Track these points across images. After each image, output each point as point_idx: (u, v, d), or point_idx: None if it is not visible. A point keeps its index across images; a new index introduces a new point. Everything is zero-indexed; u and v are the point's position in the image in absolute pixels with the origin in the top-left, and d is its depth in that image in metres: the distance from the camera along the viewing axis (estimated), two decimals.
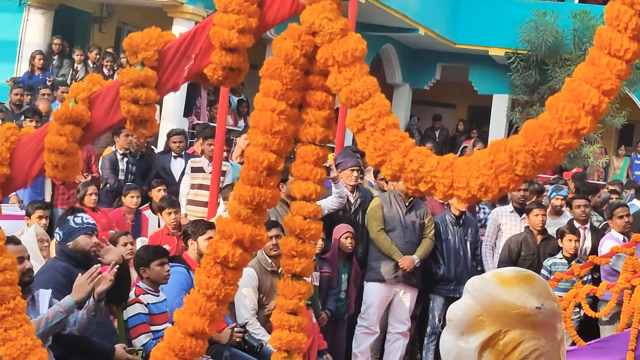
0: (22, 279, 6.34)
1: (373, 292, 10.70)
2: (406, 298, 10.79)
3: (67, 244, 7.48)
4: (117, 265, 6.76)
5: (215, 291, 3.49)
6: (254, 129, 3.47)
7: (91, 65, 17.96)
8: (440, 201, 11.77)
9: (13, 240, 6.60)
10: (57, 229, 7.84)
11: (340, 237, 10.32)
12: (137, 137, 12.76)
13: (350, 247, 10.38)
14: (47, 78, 17.36)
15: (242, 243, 3.49)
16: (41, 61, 17.86)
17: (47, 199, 12.92)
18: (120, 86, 3.60)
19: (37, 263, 7.71)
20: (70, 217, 7.79)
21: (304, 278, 3.55)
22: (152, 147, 15.18)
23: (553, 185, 13.49)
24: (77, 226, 7.52)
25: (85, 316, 6.39)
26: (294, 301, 3.55)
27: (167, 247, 9.35)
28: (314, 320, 9.36)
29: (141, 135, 3.66)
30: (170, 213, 11.14)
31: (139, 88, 3.56)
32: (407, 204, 10.75)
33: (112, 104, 3.65)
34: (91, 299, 6.41)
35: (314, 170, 3.49)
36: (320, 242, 9.85)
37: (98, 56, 18.43)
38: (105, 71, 17.30)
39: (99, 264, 6.56)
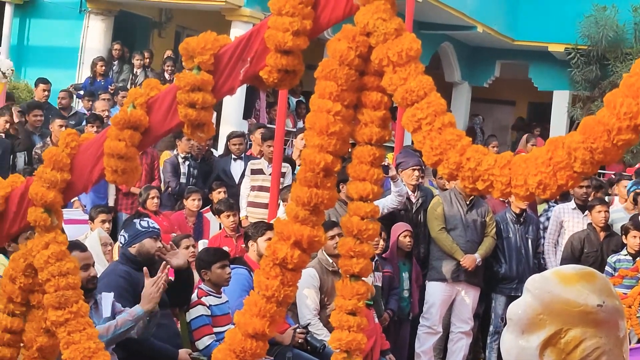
0: (86, 285, 6.42)
1: (435, 292, 10.68)
2: (468, 297, 10.75)
3: (132, 246, 7.56)
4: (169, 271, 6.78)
5: (275, 292, 3.51)
6: (310, 130, 3.48)
7: (149, 69, 18.14)
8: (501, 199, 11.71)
9: (79, 247, 6.68)
10: (123, 231, 7.93)
11: (399, 235, 10.31)
12: (195, 140, 12.86)
13: (409, 246, 10.35)
14: (110, 86, 17.54)
15: (301, 244, 3.50)
16: (103, 67, 18.07)
17: (111, 203, 13.08)
18: (177, 90, 3.63)
19: (100, 267, 7.80)
20: (136, 220, 7.89)
21: (363, 278, 3.56)
22: (212, 149, 15.27)
23: (633, 180, 13.22)
24: (144, 229, 7.60)
25: (141, 322, 6.45)
26: (352, 302, 3.55)
27: (226, 248, 9.41)
28: (376, 320, 9.36)
29: (199, 139, 3.69)
30: (228, 216, 11.20)
31: (195, 92, 3.58)
32: (467, 203, 10.70)
33: (170, 109, 3.68)
34: (138, 307, 6.48)
35: (370, 170, 3.49)
36: (381, 242, 9.85)
37: (148, 60, 18.58)
38: (167, 75, 17.44)
39: (163, 274, 6.60)
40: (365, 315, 7.96)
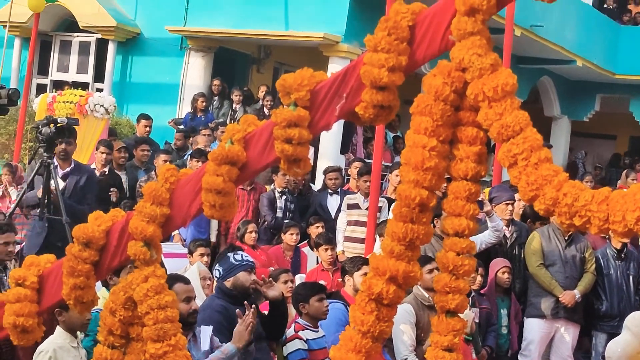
0: (187, 319, 6.50)
1: (534, 328, 10.54)
2: (568, 334, 10.58)
3: (227, 280, 7.61)
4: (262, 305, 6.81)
5: (370, 328, 3.51)
6: (405, 165, 3.49)
7: (248, 104, 18.34)
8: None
9: (182, 280, 6.77)
10: (217, 265, 7.98)
11: (497, 271, 10.21)
12: (292, 175, 12.94)
13: (507, 282, 10.25)
14: (210, 122, 17.76)
15: (396, 279, 3.50)
16: (203, 103, 18.33)
17: (213, 239, 13.24)
18: (274, 126, 3.67)
19: (199, 300, 7.86)
20: (230, 254, 7.92)
21: (459, 314, 3.53)
22: (310, 184, 15.35)
23: None
24: (237, 263, 7.63)
25: (236, 359, 6.48)
26: (448, 338, 3.53)
27: (322, 282, 9.42)
28: (474, 356, 9.26)
29: (295, 174, 3.71)
30: (326, 249, 11.23)
31: (292, 128, 3.62)
32: (566, 238, 10.56)
33: (267, 144, 3.72)
34: (231, 344, 6.51)
35: (466, 206, 3.48)
36: (478, 277, 9.77)
37: (240, 97, 18.76)
38: (266, 111, 17.60)
39: (252, 309, 6.64)
40: (462, 351, 7.88)
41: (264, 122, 3.78)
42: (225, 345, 6.45)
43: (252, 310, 6.58)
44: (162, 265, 10.85)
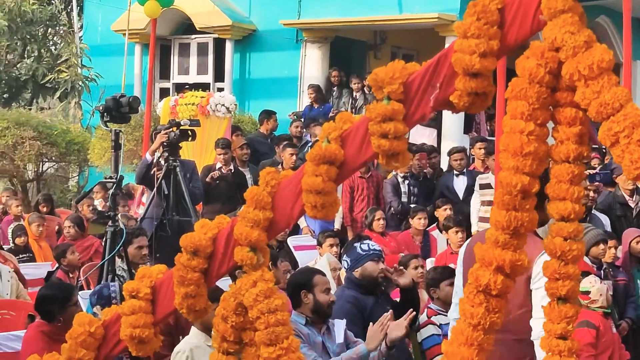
0: (326, 311, 6.56)
1: None
2: None
3: (355, 270, 7.63)
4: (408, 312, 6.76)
5: (481, 320, 3.44)
6: (504, 152, 3.40)
7: (367, 92, 18.27)
8: None
9: (318, 272, 6.86)
10: (345, 256, 8.02)
11: (631, 242, 9.96)
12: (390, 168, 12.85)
13: None
14: (328, 112, 17.80)
15: (503, 269, 3.42)
16: (313, 95, 18.39)
17: (337, 226, 13.29)
18: (369, 122, 3.63)
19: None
20: (357, 244, 7.95)
21: (571, 301, 3.44)
22: (441, 167, 15.28)
23: None
24: (364, 253, 7.65)
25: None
26: (561, 325, 3.43)
27: (452, 266, 9.35)
28: (614, 330, 9.06)
29: (394, 168, 3.67)
30: (456, 232, 11.19)
31: (387, 122, 3.57)
32: None
33: (363, 140, 3.68)
34: (383, 344, 6.49)
35: (570, 189, 3.37)
36: (612, 250, 9.57)
37: (359, 84, 18.70)
38: None
39: (388, 313, 6.62)
40: (603, 326, 7.70)
41: (359, 118, 3.74)
42: (358, 346, 6.46)
43: (389, 314, 6.56)
44: (293, 257, 10.98)
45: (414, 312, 6.79)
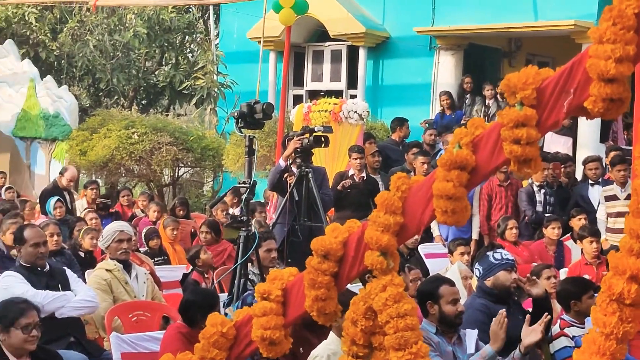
0: (453, 321, 6.52)
1: None
2: None
3: (487, 279, 7.57)
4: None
5: (613, 329, 3.38)
6: (639, 159, 3.35)
7: (500, 100, 18.08)
8: None
9: (447, 281, 6.83)
10: (477, 264, 7.97)
11: None
12: (523, 175, 12.69)
13: None
14: (460, 120, 17.68)
15: (637, 278, 3.36)
16: (446, 102, 18.29)
17: (475, 236, 13.25)
18: (501, 127, 3.61)
19: (461, 300, 7.86)
20: (489, 253, 7.89)
21: None
22: (576, 177, 15.04)
23: None
24: (497, 262, 7.59)
25: None
26: None
27: (586, 277, 9.19)
28: None
29: (526, 174, 3.64)
30: (591, 242, 10.97)
31: (519, 128, 3.55)
32: None
33: (495, 146, 3.67)
34: (517, 350, 6.43)
35: None
36: None
37: (492, 92, 18.51)
38: None
39: (503, 310, 6.55)
40: None
41: (491, 124, 3.73)
42: (484, 348, 6.41)
43: (503, 311, 6.49)
44: (424, 265, 10.96)
45: (550, 317, 6.69)
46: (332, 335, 6.50)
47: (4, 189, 17.62)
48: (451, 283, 6.84)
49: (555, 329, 7.63)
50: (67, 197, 15.17)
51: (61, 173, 15.72)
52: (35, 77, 22.59)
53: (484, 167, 3.72)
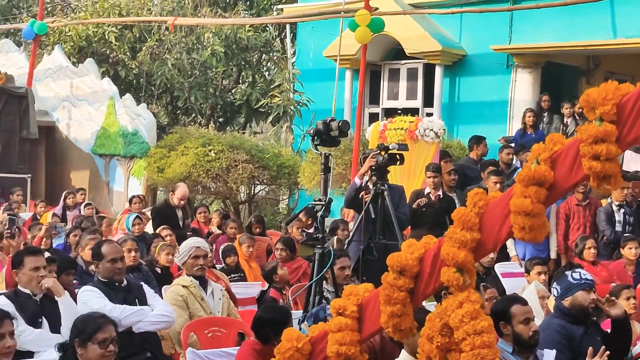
0: (528, 341, 6.45)
1: None
2: None
3: (565, 299, 7.49)
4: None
5: None
6: None
7: (579, 118, 17.88)
8: None
9: (520, 301, 6.75)
10: (555, 283, 7.88)
11: None
12: (602, 191, 12.53)
13: None
14: (540, 139, 17.48)
15: None
16: (532, 118, 18.11)
17: (553, 255, 13.14)
18: (580, 143, 3.58)
19: (538, 320, 7.78)
20: (568, 272, 7.79)
21: None
22: None
23: None
24: (576, 282, 7.50)
25: None
26: None
27: None
28: None
29: (605, 190, 3.59)
30: None
31: (599, 144, 3.51)
32: None
33: (574, 162, 3.63)
34: None
35: None
36: None
37: (570, 110, 18.31)
38: None
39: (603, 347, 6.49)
40: None
41: (570, 140, 3.69)
42: None
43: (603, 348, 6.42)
44: (500, 285, 10.88)
45: (608, 352, 6.58)
46: (403, 352, 6.47)
47: (83, 205, 17.88)
48: (523, 302, 6.76)
49: (636, 349, 7.53)
50: (180, 214, 15.02)
51: (172, 191, 15.71)
52: (115, 95, 22.97)
53: (562, 183, 3.68)
